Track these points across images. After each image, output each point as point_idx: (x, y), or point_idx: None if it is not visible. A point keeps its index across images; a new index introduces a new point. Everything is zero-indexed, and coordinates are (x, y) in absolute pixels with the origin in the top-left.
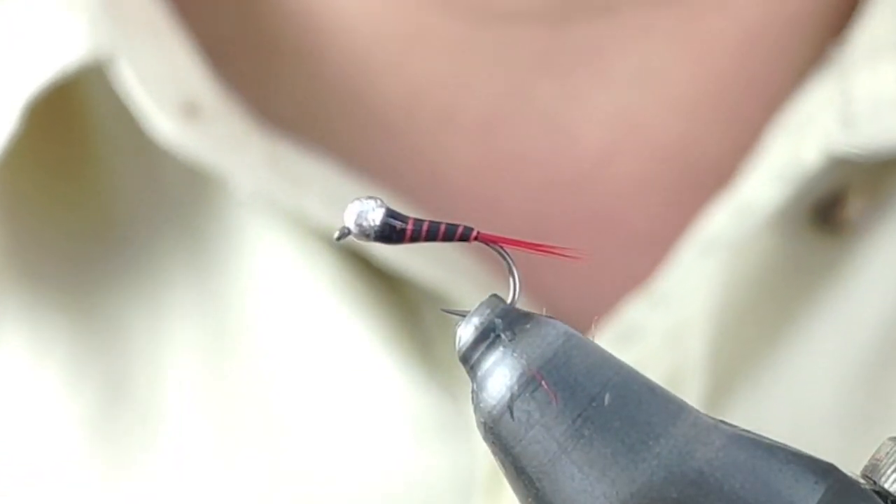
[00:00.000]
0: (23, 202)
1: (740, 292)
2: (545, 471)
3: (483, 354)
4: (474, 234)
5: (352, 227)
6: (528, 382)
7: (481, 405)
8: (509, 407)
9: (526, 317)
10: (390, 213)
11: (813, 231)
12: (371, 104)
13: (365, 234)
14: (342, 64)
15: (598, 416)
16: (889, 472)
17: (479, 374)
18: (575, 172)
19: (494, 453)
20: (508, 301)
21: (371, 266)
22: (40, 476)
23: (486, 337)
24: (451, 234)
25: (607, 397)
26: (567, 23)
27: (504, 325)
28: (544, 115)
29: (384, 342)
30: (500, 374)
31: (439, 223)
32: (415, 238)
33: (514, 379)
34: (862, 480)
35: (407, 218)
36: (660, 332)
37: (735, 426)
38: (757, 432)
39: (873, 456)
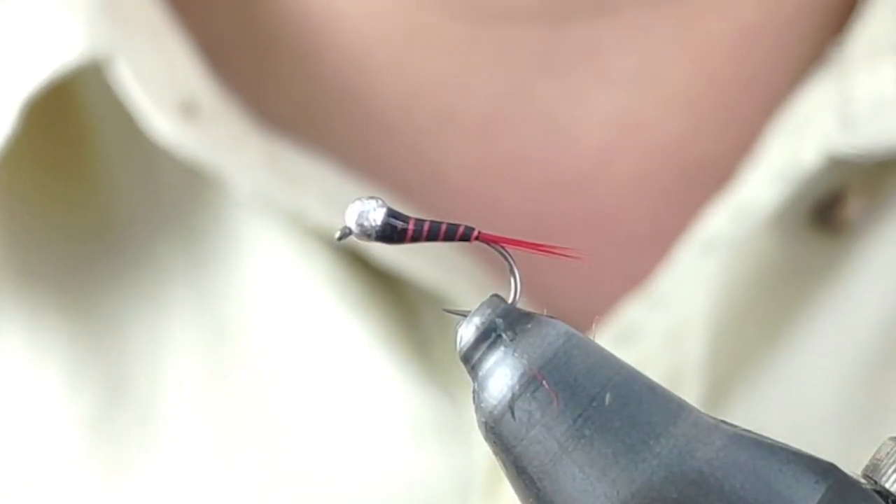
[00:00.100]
0: (21, 202)
1: (739, 293)
2: (546, 470)
3: (484, 354)
4: (475, 234)
5: (353, 226)
6: (529, 382)
7: (482, 405)
8: (510, 407)
9: (527, 316)
10: (391, 213)
11: (812, 231)
12: (370, 104)
13: (366, 233)
14: (341, 64)
15: (598, 415)
16: (890, 471)
17: (480, 373)
18: (574, 172)
19: (495, 453)
20: (509, 301)
21: (369, 266)
22: (39, 476)
23: (488, 337)
24: (452, 233)
25: (608, 397)
26: (566, 22)
27: (505, 324)
28: (544, 115)
29: (382, 342)
30: (501, 373)
31: (440, 223)
32: (416, 238)
33: (516, 379)
34: (863, 480)
35: (408, 218)
36: (659, 333)
37: (736, 426)
38: (757, 432)
39: (874, 456)
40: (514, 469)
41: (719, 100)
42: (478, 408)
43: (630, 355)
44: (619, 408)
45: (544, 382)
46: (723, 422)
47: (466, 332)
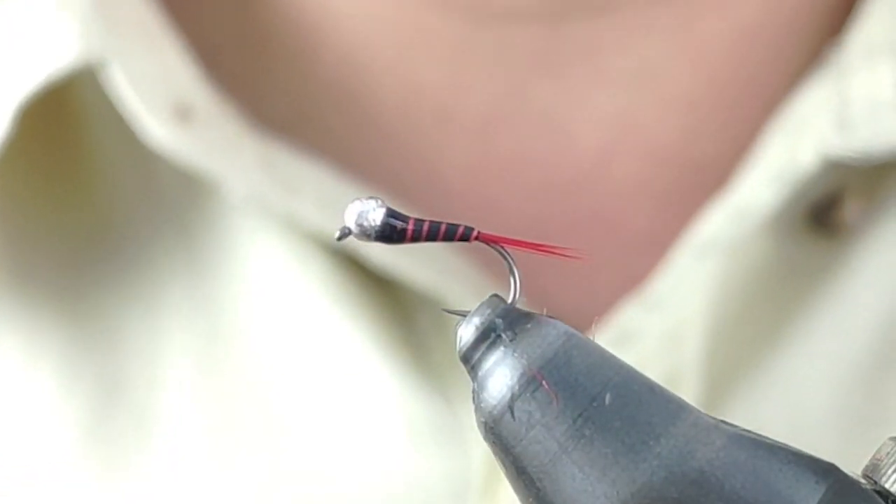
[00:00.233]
0: (17, 205)
1: (736, 295)
2: (546, 471)
3: (484, 354)
4: (475, 234)
5: (352, 227)
6: (529, 382)
7: (482, 405)
8: (510, 407)
9: (527, 317)
10: (391, 213)
11: (809, 233)
12: (367, 105)
13: (366, 234)
14: (337, 64)
15: (598, 415)
16: (890, 471)
17: (479, 374)
18: (573, 173)
19: (495, 453)
20: (509, 301)
21: (364, 269)
22: (35, 477)
23: (487, 337)
24: (452, 234)
25: (608, 397)
26: (566, 22)
27: (505, 324)
28: (543, 116)
29: (377, 345)
30: (501, 374)
31: (440, 223)
32: (415, 238)
33: (515, 379)
34: (863, 480)
35: (407, 218)
36: (656, 335)
37: (735, 426)
38: (757, 432)
39: (874, 456)
40: (514, 469)
41: (718, 100)
42: (477, 408)
43: (628, 357)
44: (619, 408)
45: (544, 382)
46: (723, 422)
47: (466, 333)
